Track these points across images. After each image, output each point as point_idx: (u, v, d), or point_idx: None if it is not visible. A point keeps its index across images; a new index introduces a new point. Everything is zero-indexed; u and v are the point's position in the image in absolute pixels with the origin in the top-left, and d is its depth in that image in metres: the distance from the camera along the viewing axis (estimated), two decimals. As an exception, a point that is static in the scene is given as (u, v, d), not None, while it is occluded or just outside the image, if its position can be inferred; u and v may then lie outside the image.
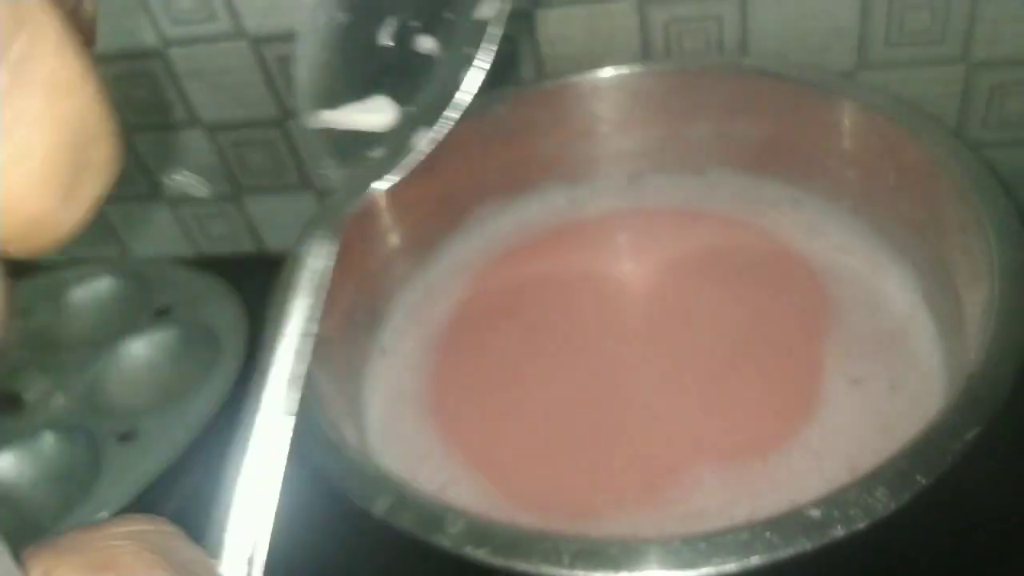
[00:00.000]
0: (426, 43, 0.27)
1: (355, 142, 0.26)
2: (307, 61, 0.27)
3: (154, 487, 0.52)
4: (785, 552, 0.30)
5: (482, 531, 0.32)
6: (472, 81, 0.25)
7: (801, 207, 0.53)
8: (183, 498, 0.54)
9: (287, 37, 0.59)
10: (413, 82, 0.27)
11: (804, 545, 0.30)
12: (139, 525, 0.18)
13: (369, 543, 0.39)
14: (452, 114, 0.26)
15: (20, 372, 0.57)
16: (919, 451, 0.32)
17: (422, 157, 0.26)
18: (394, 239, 0.53)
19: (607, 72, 0.53)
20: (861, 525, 0.30)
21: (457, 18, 0.27)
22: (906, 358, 0.44)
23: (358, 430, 0.45)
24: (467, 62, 0.25)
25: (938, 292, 0.45)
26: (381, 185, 0.25)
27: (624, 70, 0.53)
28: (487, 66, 0.25)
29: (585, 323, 0.50)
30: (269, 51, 0.60)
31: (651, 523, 0.39)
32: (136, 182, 0.71)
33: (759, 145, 0.52)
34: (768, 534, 0.30)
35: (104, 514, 0.49)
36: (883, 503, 0.30)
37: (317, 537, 0.49)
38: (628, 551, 0.31)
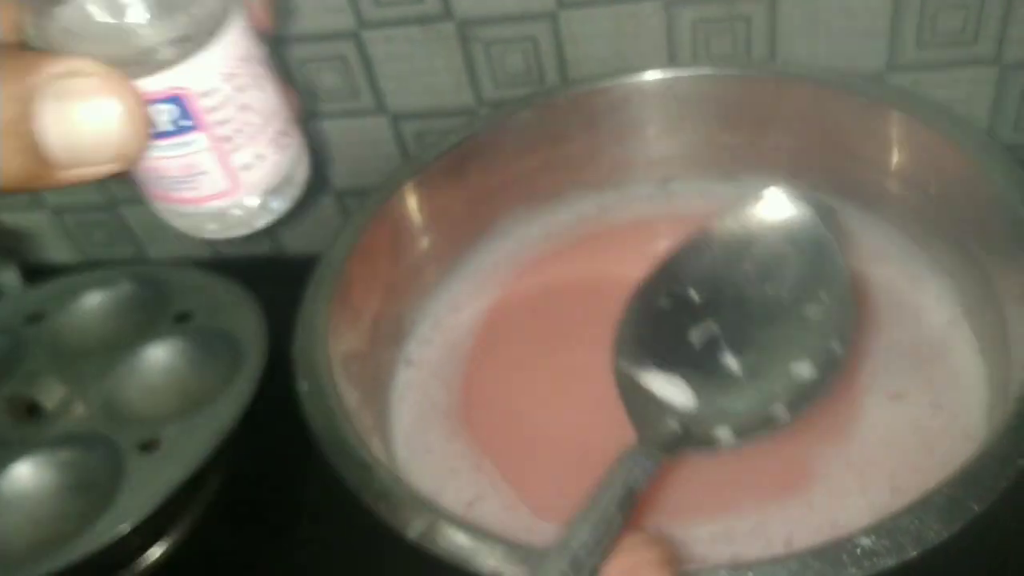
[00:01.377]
0: (731, 362, 0.33)
1: (654, 405, 0.32)
2: (630, 322, 0.35)
3: (176, 497, 0.51)
4: (836, 583, 0.29)
5: (520, 558, 0.32)
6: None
7: (837, 215, 0.52)
8: (206, 506, 0.53)
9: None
10: (714, 383, 0.32)
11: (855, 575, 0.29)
12: None
13: (403, 566, 0.38)
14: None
15: (38, 379, 0.57)
16: (970, 477, 0.31)
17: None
18: (422, 246, 0.52)
19: (638, 78, 0.52)
20: (913, 554, 0.29)
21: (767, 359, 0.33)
22: (946, 373, 0.43)
23: (385, 444, 0.45)
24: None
25: (979, 306, 0.44)
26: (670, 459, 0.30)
27: (656, 75, 0.52)
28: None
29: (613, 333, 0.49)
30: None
31: (680, 542, 0.39)
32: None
33: (794, 152, 0.51)
34: (818, 564, 0.29)
35: (125, 526, 0.48)
36: (935, 531, 0.30)
37: (349, 558, 0.48)
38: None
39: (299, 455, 0.55)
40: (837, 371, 0.32)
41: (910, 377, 0.43)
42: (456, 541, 0.33)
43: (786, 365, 0.32)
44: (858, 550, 0.29)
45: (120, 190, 0.71)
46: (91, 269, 0.69)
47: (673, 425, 0.32)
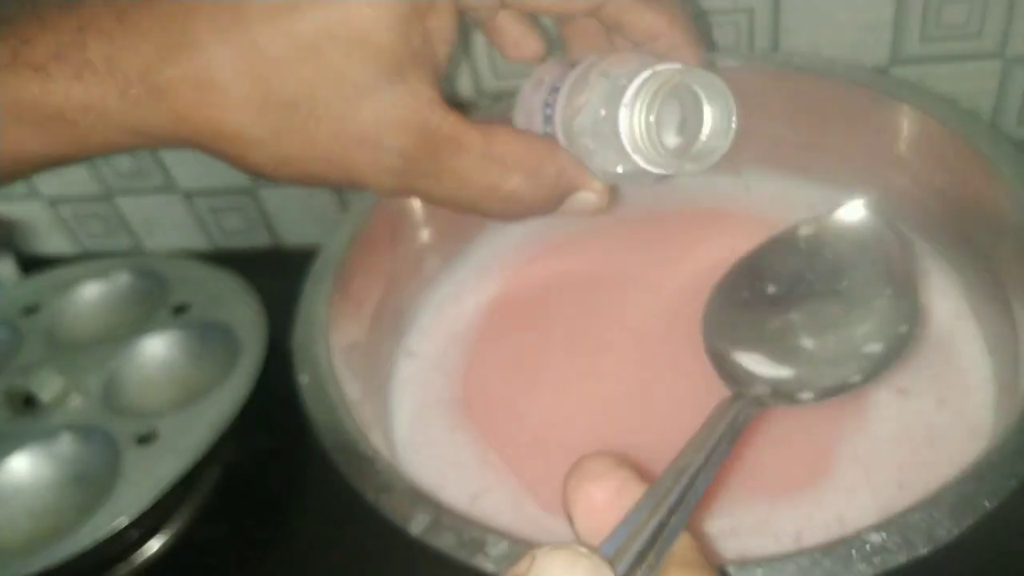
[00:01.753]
0: (807, 344, 0.39)
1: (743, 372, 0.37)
2: (715, 310, 0.40)
3: (174, 489, 0.51)
4: (845, 580, 0.29)
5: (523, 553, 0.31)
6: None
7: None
8: (204, 500, 0.53)
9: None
10: (792, 360, 0.38)
11: (864, 572, 0.29)
12: None
13: (404, 561, 0.38)
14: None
15: (34, 371, 0.56)
16: (981, 474, 0.30)
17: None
18: (423, 238, 0.51)
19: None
20: (923, 551, 0.29)
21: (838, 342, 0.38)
22: (952, 369, 0.43)
23: (386, 436, 0.44)
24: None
25: (986, 301, 0.44)
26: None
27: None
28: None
29: (617, 325, 0.49)
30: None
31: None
32: (151, 175, 0.69)
33: (798, 145, 0.51)
34: (827, 561, 0.29)
35: (123, 519, 0.48)
36: (946, 528, 0.29)
37: (349, 553, 0.48)
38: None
39: (298, 448, 0.55)
40: (906, 347, 0.37)
41: (916, 372, 0.42)
42: (459, 536, 0.32)
43: (856, 346, 0.37)
44: (868, 546, 0.29)
45: (116, 182, 0.71)
46: (88, 260, 0.69)
47: (763, 388, 0.36)
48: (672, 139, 0.36)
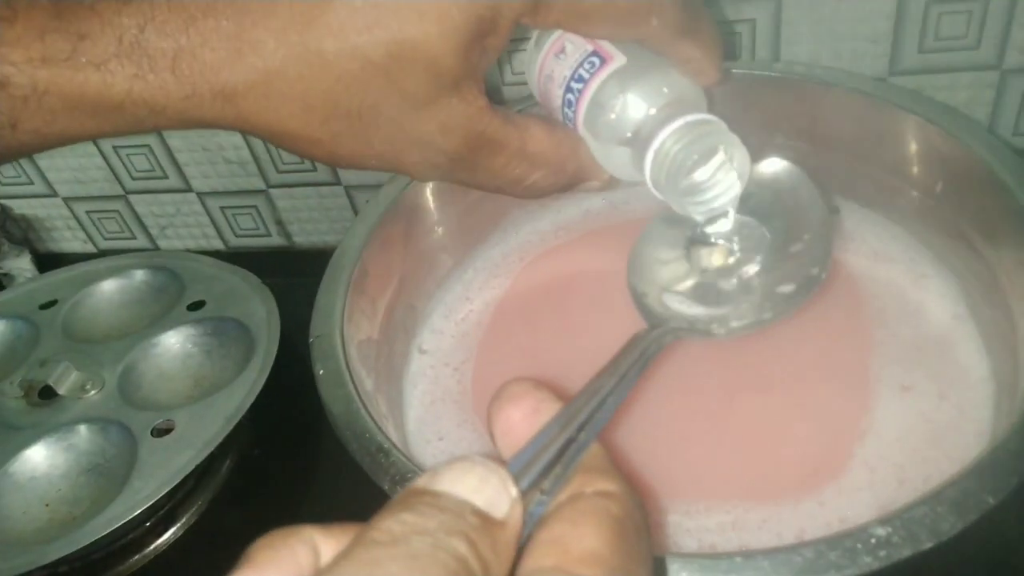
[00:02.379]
0: (727, 286, 0.40)
1: (663, 308, 0.38)
2: (641, 249, 0.42)
3: (189, 481, 0.52)
4: (850, 572, 0.29)
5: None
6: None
7: (841, 214, 0.52)
8: (218, 491, 0.54)
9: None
10: (712, 299, 0.39)
11: (869, 565, 0.29)
12: None
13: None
14: None
15: (51, 364, 0.57)
16: (985, 470, 0.31)
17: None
18: (436, 237, 0.52)
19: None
20: (927, 545, 0.29)
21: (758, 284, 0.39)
22: (952, 367, 0.43)
23: (398, 431, 0.45)
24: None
25: (984, 302, 0.45)
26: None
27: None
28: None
29: (623, 324, 0.49)
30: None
31: (685, 532, 0.39)
32: (167, 176, 0.70)
33: (801, 150, 0.52)
34: (833, 554, 0.30)
35: (138, 510, 0.48)
36: (950, 523, 0.30)
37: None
38: (684, 568, 0.30)
39: (310, 441, 0.56)
40: (815, 288, 0.37)
41: (916, 371, 0.43)
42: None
43: (770, 287, 0.38)
44: (873, 540, 0.30)
45: (131, 183, 0.72)
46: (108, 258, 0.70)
47: (679, 323, 0.37)
48: (686, 181, 0.38)
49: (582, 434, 0.24)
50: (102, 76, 0.31)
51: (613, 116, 0.38)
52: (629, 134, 0.38)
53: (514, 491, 0.21)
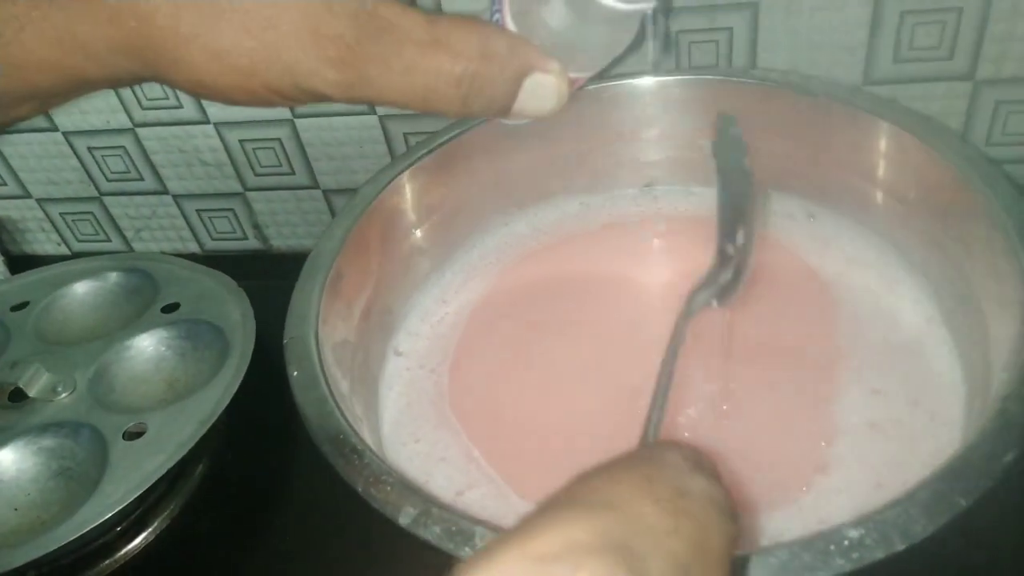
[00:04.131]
0: None
1: None
2: None
3: (161, 485, 0.51)
4: (823, 574, 0.29)
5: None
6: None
7: (816, 220, 0.53)
8: (191, 495, 0.53)
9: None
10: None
11: (842, 567, 0.29)
12: None
13: (392, 554, 0.39)
14: None
15: (22, 366, 0.56)
16: (957, 473, 0.31)
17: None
18: (412, 240, 0.52)
19: (628, 82, 0.53)
20: (900, 547, 0.30)
21: None
22: (924, 371, 0.44)
23: (373, 432, 0.45)
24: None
25: (956, 307, 0.45)
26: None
27: (645, 80, 0.52)
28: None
29: (598, 328, 0.50)
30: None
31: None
32: (142, 178, 0.70)
33: (777, 158, 0.52)
34: (807, 555, 0.30)
35: (109, 513, 0.48)
36: (922, 525, 0.30)
37: (336, 547, 0.48)
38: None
39: (284, 445, 0.56)
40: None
41: (889, 376, 0.44)
42: (447, 528, 0.33)
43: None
44: (846, 542, 0.30)
45: (106, 185, 0.71)
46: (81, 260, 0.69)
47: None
48: None
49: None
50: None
51: None
52: None
53: None
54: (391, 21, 0.32)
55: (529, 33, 0.36)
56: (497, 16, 0.37)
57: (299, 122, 0.63)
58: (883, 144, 0.48)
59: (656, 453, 0.26)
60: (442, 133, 0.51)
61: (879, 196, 0.50)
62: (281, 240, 0.73)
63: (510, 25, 0.36)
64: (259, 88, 0.32)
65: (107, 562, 0.50)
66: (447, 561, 0.33)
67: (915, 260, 0.48)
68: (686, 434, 0.43)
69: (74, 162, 0.70)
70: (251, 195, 0.70)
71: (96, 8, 0.30)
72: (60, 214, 0.74)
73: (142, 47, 0.31)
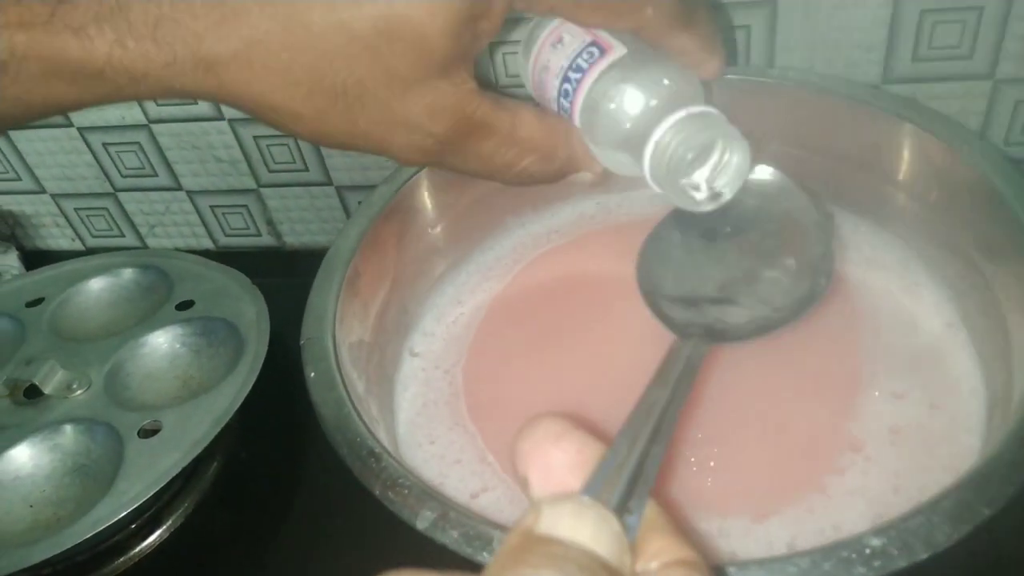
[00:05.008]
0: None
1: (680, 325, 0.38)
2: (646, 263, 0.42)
3: (175, 483, 0.51)
4: (845, 582, 0.29)
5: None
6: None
7: (835, 222, 0.52)
8: (205, 493, 0.53)
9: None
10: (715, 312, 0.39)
11: None
12: None
13: (408, 556, 0.38)
14: None
15: (37, 363, 0.56)
16: (981, 481, 0.31)
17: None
18: (429, 241, 0.52)
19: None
20: (923, 556, 0.29)
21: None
22: (945, 376, 0.43)
23: (389, 434, 0.45)
24: None
25: (977, 312, 0.45)
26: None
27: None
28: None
29: (614, 329, 0.49)
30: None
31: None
32: (157, 174, 0.70)
33: (795, 158, 0.52)
34: (827, 564, 0.29)
35: (124, 511, 0.48)
36: (945, 534, 0.30)
37: (350, 546, 0.48)
38: None
39: (299, 443, 0.56)
40: (819, 297, 0.38)
41: (909, 379, 0.43)
42: (465, 532, 0.32)
43: (777, 293, 0.39)
44: (868, 550, 0.30)
45: (120, 181, 0.71)
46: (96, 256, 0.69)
47: (697, 331, 0.36)
48: (685, 176, 0.38)
49: (654, 448, 0.24)
50: (81, 42, 0.30)
51: (612, 106, 0.37)
52: (628, 125, 0.37)
53: (624, 538, 0.21)
54: (484, 122, 0.36)
55: (591, 125, 0.38)
56: (568, 88, 0.38)
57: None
58: (903, 145, 0.48)
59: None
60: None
61: (899, 198, 0.49)
62: (294, 237, 0.73)
63: (577, 118, 0.39)
64: (347, 150, 0.36)
65: (121, 559, 0.51)
66: (465, 565, 0.32)
67: (935, 263, 0.48)
68: (699, 435, 0.42)
69: (89, 158, 0.70)
70: (265, 192, 0.70)
71: (213, 80, 0.32)
72: (75, 210, 0.74)
73: (248, 110, 0.34)
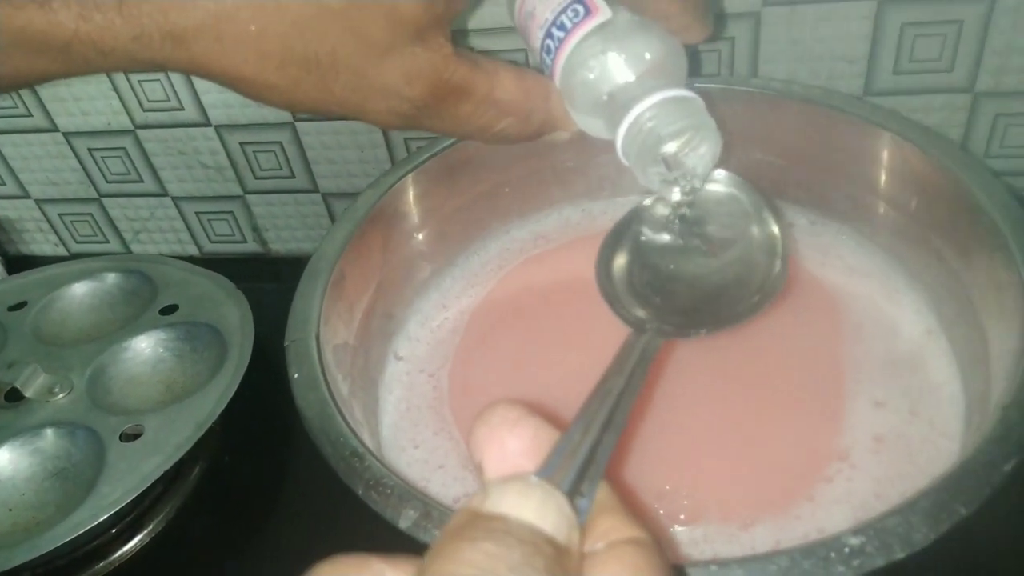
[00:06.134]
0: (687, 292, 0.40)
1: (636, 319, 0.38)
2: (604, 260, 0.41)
3: (157, 487, 0.51)
4: (824, 581, 0.29)
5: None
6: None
7: (817, 229, 0.53)
8: (187, 497, 0.53)
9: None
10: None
11: (843, 575, 0.29)
12: None
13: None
14: None
15: (18, 366, 0.56)
16: (958, 481, 0.31)
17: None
18: (414, 245, 0.52)
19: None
20: (901, 555, 0.30)
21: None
22: (924, 382, 0.44)
23: (373, 437, 0.45)
24: None
25: (956, 318, 0.45)
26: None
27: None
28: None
29: (599, 335, 0.49)
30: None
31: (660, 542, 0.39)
32: (141, 180, 0.70)
33: (778, 168, 0.52)
34: (807, 563, 0.30)
35: (105, 515, 0.48)
36: (923, 533, 0.30)
37: (336, 545, 0.48)
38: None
39: (282, 448, 0.56)
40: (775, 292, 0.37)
41: (890, 386, 0.44)
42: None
43: (731, 286, 0.39)
44: (847, 549, 0.30)
45: (105, 186, 0.71)
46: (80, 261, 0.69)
47: (653, 326, 0.36)
48: (654, 161, 0.38)
49: (607, 435, 0.24)
50: (46, 15, 0.30)
51: (591, 76, 0.37)
52: (605, 97, 0.37)
53: (573, 515, 0.21)
54: (461, 85, 0.36)
55: (570, 88, 0.38)
56: (550, 44, 0.38)
57: (300, 125, 0.63)
58: (883, 154, 0.48)
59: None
60: (444, 138, 0.51)
61: (879, 206, 0.50)
62: (280, 244, 0.73)
63: (558, 79, 0.39)
64: (323, 116, 0.35)
65: (102, 564, 0.50)
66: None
67: (915, 270, 0.48)
68: (689, 445, 0.43)
69: (74, 163, 0.70)
70: (251, 198, 0.70)
71: (183, 53, 0.32)
72: (59, 215, 0.74)
73: (220, 82, 0.33)
